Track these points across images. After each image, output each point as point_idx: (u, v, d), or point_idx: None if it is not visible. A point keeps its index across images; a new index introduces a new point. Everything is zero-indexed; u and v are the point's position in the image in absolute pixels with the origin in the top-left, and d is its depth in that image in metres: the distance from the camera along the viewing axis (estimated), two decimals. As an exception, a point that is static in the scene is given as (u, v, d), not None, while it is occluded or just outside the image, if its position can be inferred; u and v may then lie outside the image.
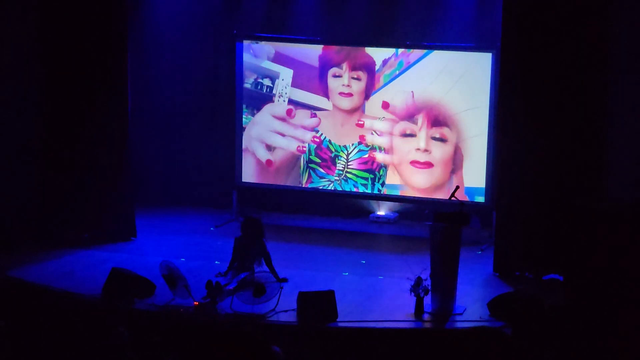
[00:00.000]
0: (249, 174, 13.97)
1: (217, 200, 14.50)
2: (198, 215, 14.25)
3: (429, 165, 13.24)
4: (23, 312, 9.90)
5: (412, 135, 13.28)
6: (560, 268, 11.04)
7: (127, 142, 12.69)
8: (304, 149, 13.67)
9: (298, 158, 13.78)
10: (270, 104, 13.75)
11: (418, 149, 13.25)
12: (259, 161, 13.91)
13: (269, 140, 13.81)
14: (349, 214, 14.28)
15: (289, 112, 13.67)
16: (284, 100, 13.74)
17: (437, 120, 13.14)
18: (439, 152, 13.19)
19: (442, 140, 13.15)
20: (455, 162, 13.14)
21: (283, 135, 13.76)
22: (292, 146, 13.74)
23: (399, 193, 13.56)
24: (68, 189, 12.63)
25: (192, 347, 7.06)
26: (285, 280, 10.80)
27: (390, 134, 13.35)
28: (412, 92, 13.18)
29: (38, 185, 12.64)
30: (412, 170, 13.35)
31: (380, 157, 13.45)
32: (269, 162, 13.80)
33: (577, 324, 9.11)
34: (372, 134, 13.42)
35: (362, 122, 13.44)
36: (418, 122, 13.21)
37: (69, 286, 10.89)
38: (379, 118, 13.38)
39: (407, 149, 13.32)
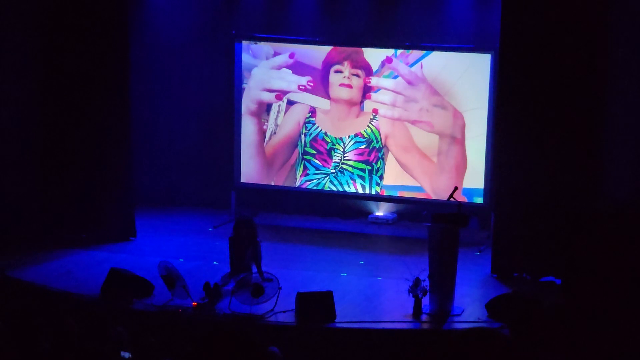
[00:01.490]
0: (246, 157, 13.93)
1: (216, 201, 14.50)
2: (197, 216, 14.25)
3: (430, 125, 13.22)
4: (21, 312, 9.89)
5: (414, 101, 13.25)
6: (558, 270, 11.04)
7: (128, 142, 12.69)
8: (304, 87, 13.62)
9: (294, 147, 13.77)
10: (267, 60, 13.72)
11: (420, 109, 13.21)
12: (259, 129, 13.85)
13: (269, 85, 13.77)
14: (348, 214, 14.29)
15: (291, 55, 13.64)
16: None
17: (437, 92, 13.13)
18: (439, 118, 13.16)
19: (442, 107, 13.13)
20: (455, 130, 13.11)
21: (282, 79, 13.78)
22: (292, 87, 13.71)
23: (397, 194, 13.57)
24: (67, 189, 12.64)
25: (190, 348, 7.06)
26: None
27: (395, 92, 13.30)
28: (421, 63, 13.17)
29: (37, 185, 12.65)
30: (412, 129, 13.32)
31: (382, 111, 13.41)
32: (278, 96, 13.76)
33: (576, 325, 9.11)
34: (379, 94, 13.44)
35: (369, 80, 13.41)
36: (421, 89, 13.19)
37: (68, 286, 10.90)
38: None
39: (408, 114, 13.29)
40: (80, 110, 12.56)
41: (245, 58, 13.78)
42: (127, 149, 12.70)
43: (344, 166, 13.68)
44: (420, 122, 13.25)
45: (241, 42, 13.77)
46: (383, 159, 13.54)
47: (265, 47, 13.75)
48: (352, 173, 13.67)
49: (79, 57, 12.45)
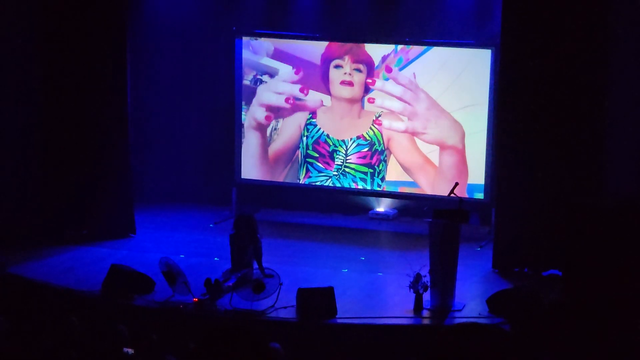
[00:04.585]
0: (249, 166, 13.95)
1: (217, 197, 14.50)
2: (197, 212, 14.25)
3: (433, 136, 13.18)
4: (23, 309, 9.91)
5: (418, 111, 13.20)
6: (559, 264, 11.05)
7: (127, 139, 12.69)
8: (292, 102, 13.60)
9: (296, 150, 13.77)
10: (272, 79, 13.71)
11: (425, 120, 13.15)
12: (263, 142, 13.86)
13: (262, 99, 13.74)
14: (349, 210, 14.28)
15: (297, 71, 13.59)
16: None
17: (436, 102, 13.12)
18: (441, 129, 13.12)
19: (443, 117, 13.09)
20: (456, 140, 13.06)
21: (276, 93, 13.73)
22: (280, 100, 13.67)
23: (398, 190, 13.56)
24: (68, 186, 12.64)
25: (193, 345, 7.06)
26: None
27: (401, 99, 13.25)
28: (413, 73, 13.16)
29: (38, 182, 12.65)
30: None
31: (387, 122, 13.34)
32: (268, 117, 13.73)
33: (576, 320, 9.12)
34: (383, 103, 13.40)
35: (373, 82, 13.36)
36: (422, 99, 13.16)
37: (69, 283, 10.91)
38: (378, 113, 13.39)
39: (413, 124, 13.24)
40: (79, 108, 12.55)
41: (246, 54, 13.77)
42: (125, 145, 12.70)
43: (346, 169, 13.65)
44: (424, 133, 13.22)
45: (241, 38, 13.76)
46: (385, 161, 13.51)
47: (266, 43, 13.74)
48: (355, 176, 13.64)
49: (77, 56, 12.44)
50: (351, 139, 13.60)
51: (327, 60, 13.53)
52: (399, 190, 13.58)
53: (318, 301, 10.02)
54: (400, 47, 13.25)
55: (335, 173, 13.69)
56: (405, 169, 13.44)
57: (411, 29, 13.50)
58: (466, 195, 12.82)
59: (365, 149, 13.56)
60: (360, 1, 13.79)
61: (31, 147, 12.64)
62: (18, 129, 12.59)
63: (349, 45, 13.45)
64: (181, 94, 14.63)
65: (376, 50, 13.35)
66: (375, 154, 13.53)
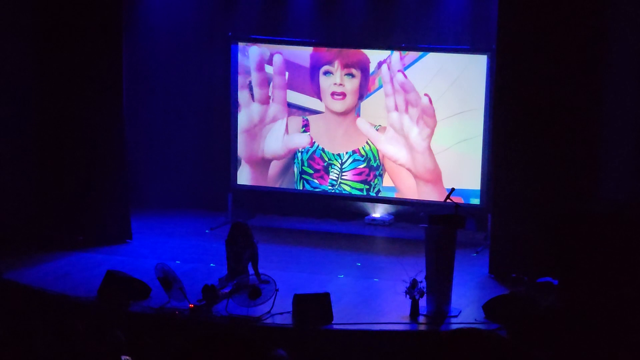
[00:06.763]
0: (245, 176, 13.98)
1: (213, 203, 14.48)
2: (193, 218, 14.23)
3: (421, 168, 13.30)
4: (18, 315, 9.89)
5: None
6: (555, 270, 11.04)
7: (123, 144, 12.68)
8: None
9: (291, 165, 13.76)
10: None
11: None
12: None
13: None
14: (345, 216, 14.27)
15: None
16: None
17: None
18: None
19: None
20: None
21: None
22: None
23: (394, 195, 13.54)
24: (63, 191, 12.63)
25: (188, 353, 7.05)
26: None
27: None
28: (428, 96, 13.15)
29: (33, 188, 12.64)
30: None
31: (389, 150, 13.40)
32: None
33: (573, 326, 9.12)
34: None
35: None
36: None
37: (65, 289, 10.89)
38: (375, 126, 13.36)
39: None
40: (75, 113, 12.54)
41: (241, 60, 13.76)
42: (121, 150, 12.68)
43: (342, 185, 13.62)
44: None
45: (237, 44, 13.74)
46: (381, 176, 13.49)
47: (262, 48, 13.73)
48: (350, 193, 13.62)
49: (74, 60, 12.43)
50: (346, 153, 13.57)
51: (316, 64, 13.46)
52: (394, 196, 13.56)
53: (314, 307, 10.01)
54: (396, 52, 13.24)
55: (331, 187, 13.64)
56: (397, 187, 13.43)
57: (407, 35, 13.51)
58: (462, 201, 12.80)
59: (362, 166, 13.50)
60: (356, 7, 13.78)
61: (25, 152, 12.62)
62: (12, 133, 12.57)
63: (337, 48, 13.39)
64: (177, 100, 14.61)
65: (371, 54, 13.30)
66: (372, 171, 13.49)
